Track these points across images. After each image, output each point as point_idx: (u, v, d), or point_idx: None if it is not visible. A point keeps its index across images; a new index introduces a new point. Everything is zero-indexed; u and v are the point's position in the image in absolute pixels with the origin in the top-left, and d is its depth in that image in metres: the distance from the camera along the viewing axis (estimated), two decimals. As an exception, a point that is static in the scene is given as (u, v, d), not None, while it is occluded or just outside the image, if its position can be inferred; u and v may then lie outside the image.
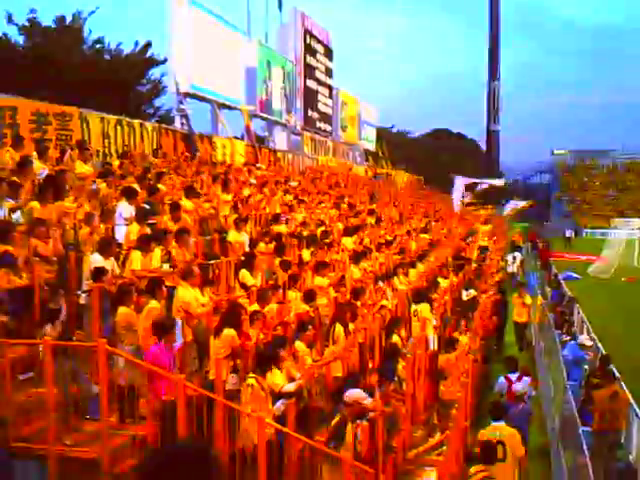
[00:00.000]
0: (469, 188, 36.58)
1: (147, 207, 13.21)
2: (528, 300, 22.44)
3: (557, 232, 71.42)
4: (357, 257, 16.76)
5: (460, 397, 11.93)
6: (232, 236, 14.99)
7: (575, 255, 51.49)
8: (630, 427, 12.90)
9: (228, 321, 9.50)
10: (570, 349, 16.53)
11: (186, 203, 15.31)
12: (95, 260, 10.54)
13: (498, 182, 39.00)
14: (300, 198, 22.05)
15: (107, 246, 10.81)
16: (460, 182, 36.81)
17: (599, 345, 17.19)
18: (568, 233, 64.17)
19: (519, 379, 13.35)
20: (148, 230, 12.22)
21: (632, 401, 12.98)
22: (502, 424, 9.99)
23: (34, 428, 8.26)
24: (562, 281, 30.86)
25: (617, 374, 14.23)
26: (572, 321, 21.70)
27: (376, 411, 9.37)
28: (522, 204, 55.09)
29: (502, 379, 13.64)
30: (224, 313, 9.87)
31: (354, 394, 8.81)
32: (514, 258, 36.91)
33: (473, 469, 8.82)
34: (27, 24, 36.39)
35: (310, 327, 10.64)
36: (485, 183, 36.63)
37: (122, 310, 9.33)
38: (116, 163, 17.44)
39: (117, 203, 13.40)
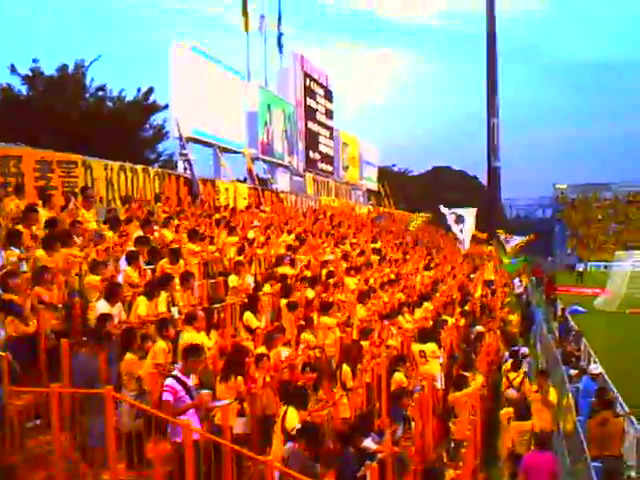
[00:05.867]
0: (458, 221, 36.82)
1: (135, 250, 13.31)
2: (553, 396, 14.44)
3: (560, 266, 71.59)
4: (362, 296, 16.78)
5: (469, 435, 11.87)
6: (232, 280, 15.04)
7: (580, 289, 51.45)
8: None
9: (233, 366, 9.52)
10: (585, 383, 16.56)
11: (190, 246, 15.44)
12: (101, 307, 10.60)
13: (472, 210, 39.15)
14: (303, 238, 22.11)
15: (113, 293, 10.87)
16: (446, 212, 37.01)
17: (606, 378, 17.16)
18: (580, 267, 64.25)
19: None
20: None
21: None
22: None
23: (42, 475, 8.24)
24: (568, 315, 30.79)
25: (622, 403, 14.34)
26: (579, 355, 21.66)
27: (385, 452, 9.33)
28: (523, 239, 55.37)
29: (506, 353, 19.13)
30: (228, 358, 9.88)
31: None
32: (520, 281, 38.57)
33: None
34: (30, 74, 36.86)
35: (308, 369, 10.63)
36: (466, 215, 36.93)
37: (128, 357, 9.38)
38: (122, 210, 17.57)
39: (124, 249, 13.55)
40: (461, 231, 33.87)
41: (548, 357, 21.59)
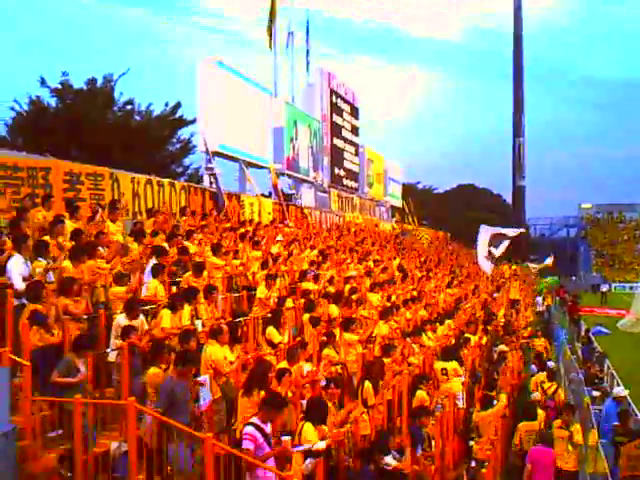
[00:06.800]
0: (493, 241, 36.31)
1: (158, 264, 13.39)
2: (579, 436, 13.33)
3: (584, 286, 70.98)
4: (385, 313, 16.75)
5: (490, 455, 11.81)
6: (261, 292, 15.11)
7: (605, 309, 50.95)
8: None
9: (256, 381, 9.49)
10: (608, 406, 16.36)
11: (214, 260, 15.52)
12: (121, 322, 10.68)
13: (517, 230, 38.44)
14: (326, 254, 22.12)
15: (132, 308, 10.93)
16: (485, 234, 36.38)
17: (629, 400, 16.94)
18: (604, 288, 63.61)
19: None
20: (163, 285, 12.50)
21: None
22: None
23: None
24: (592, 336, 30.50)
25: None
26: (602, 377, 21.45)
27: (405, 470, 9.31)
28: (547, 262, 55.03)
29: (533, 366, 20.17)
30: (252, 372, 9.85)
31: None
32: (543, 299, 38.53)
33: None
34: (59, 87, 37.31)
35: (332, 385, 10.58)
36: (506, 235, 36.44)
37: (152, 371, 9.40)
38: (148, 222, 17.68)
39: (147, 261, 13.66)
40: (490, 253, 33.46)
41: (571, 378, 21.37)
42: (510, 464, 14.03)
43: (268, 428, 8.08)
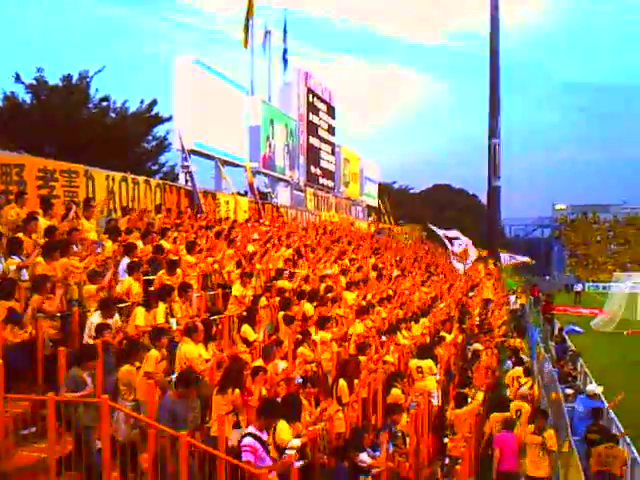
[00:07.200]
0: (451, 241, 36.63)
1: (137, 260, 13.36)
2: (552, 441, 12.85)
3: (558, 286, 71.68)
4: (360, 312, 16.78)
5: (464, 452, 11.88)
6: (236, 290, 15.07)
7: (578, 309, 51.49)
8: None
9: (231, 379, 9.47)
10: (581, 403, 16.52)
11: (189, 258, 15.46)
12: (94, 320, 10.63)
13: (469, 245, 38.32)
14: (302, 253, 22.11)
15: (107, 307, 10.88)
16: (441, 234, 36.64)
17: (602, 398, 17.12)
18: (578, 287, 64.22)
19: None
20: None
21: (637, 456, 13.05)
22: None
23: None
24: (566, 335, 30.78)
25: (618, 424, 14.82)
26: (575, 375, 21.66)
27: (380, 467, 9.34)
28: (520, 259, 55.29)
29: (509, 362, 20.65)
30: (227, 370, 9.84)
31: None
32: (516, 297, 39.75)
33: None
34: (34, 83, 37.00)
35: (309, 384, 10.58)
36: (456, 236, 36.67)
37: (125, 368, 9.38)
38: (123, 220, 17.60)
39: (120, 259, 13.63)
40: (453, 253, 33.78)
41: (544, 376, 21.56)
42: (481, 455, 14.27)
43: (265, 436, 8.04)
